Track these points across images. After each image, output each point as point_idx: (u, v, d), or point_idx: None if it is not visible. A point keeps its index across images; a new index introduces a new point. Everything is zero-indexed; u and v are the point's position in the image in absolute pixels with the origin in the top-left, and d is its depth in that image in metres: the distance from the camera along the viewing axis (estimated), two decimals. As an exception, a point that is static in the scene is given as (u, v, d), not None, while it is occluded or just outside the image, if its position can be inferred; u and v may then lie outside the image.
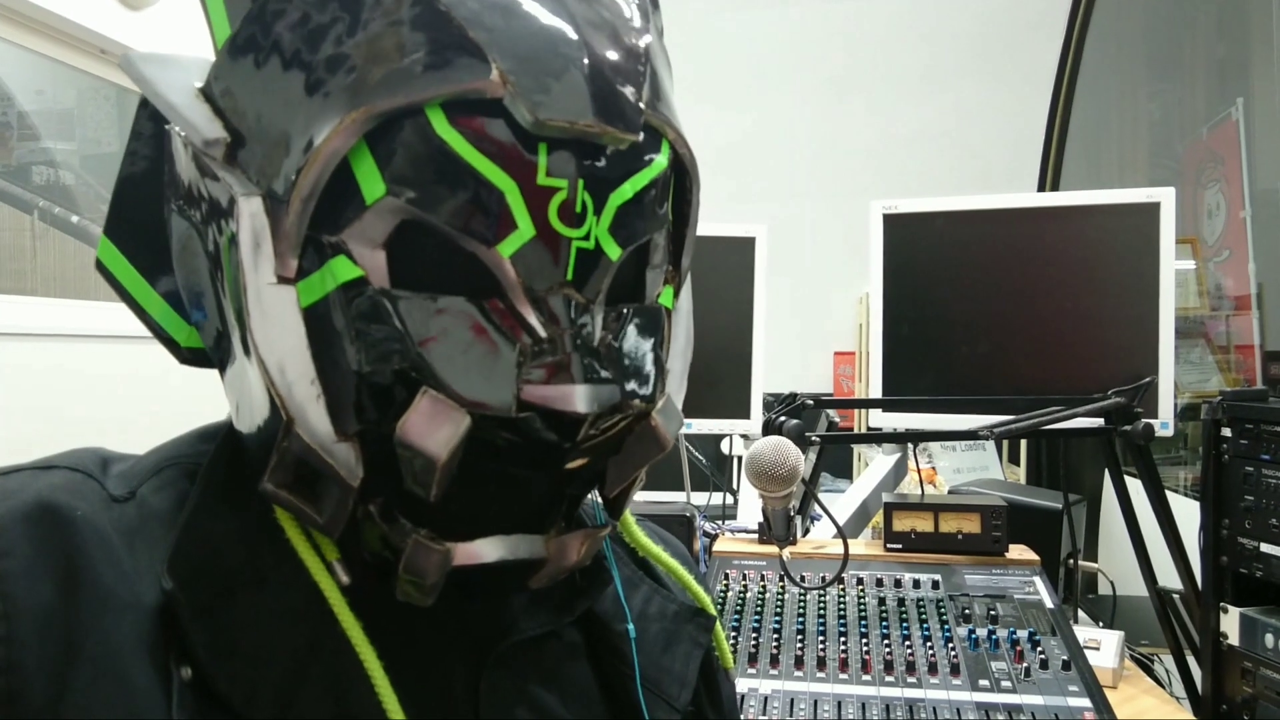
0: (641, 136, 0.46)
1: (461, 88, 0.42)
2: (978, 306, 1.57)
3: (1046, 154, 3.92)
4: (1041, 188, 3.92)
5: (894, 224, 1.60)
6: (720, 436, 2.20)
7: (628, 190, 0.47)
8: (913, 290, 1.60)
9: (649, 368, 0.50)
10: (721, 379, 1.73)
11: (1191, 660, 1.38)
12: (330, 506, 0.46)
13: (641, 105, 0.46)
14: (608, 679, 0.59)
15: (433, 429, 0.43)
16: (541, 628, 0.56)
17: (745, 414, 1.73)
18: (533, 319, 0.45)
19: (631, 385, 0.48)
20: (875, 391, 1.60)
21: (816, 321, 4.19)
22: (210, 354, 0.54)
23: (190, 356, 0.58)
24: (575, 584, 0.59)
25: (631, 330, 0.49)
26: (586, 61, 0.44)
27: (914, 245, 1.60)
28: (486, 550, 0.47)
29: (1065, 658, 1.17)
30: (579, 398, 0.44)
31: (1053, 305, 1.53)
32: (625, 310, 0.49)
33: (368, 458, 0.45)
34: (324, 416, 0.44)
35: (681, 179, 0.52)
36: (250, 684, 0.45)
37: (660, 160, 0.48)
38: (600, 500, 0.56)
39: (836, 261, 3.97)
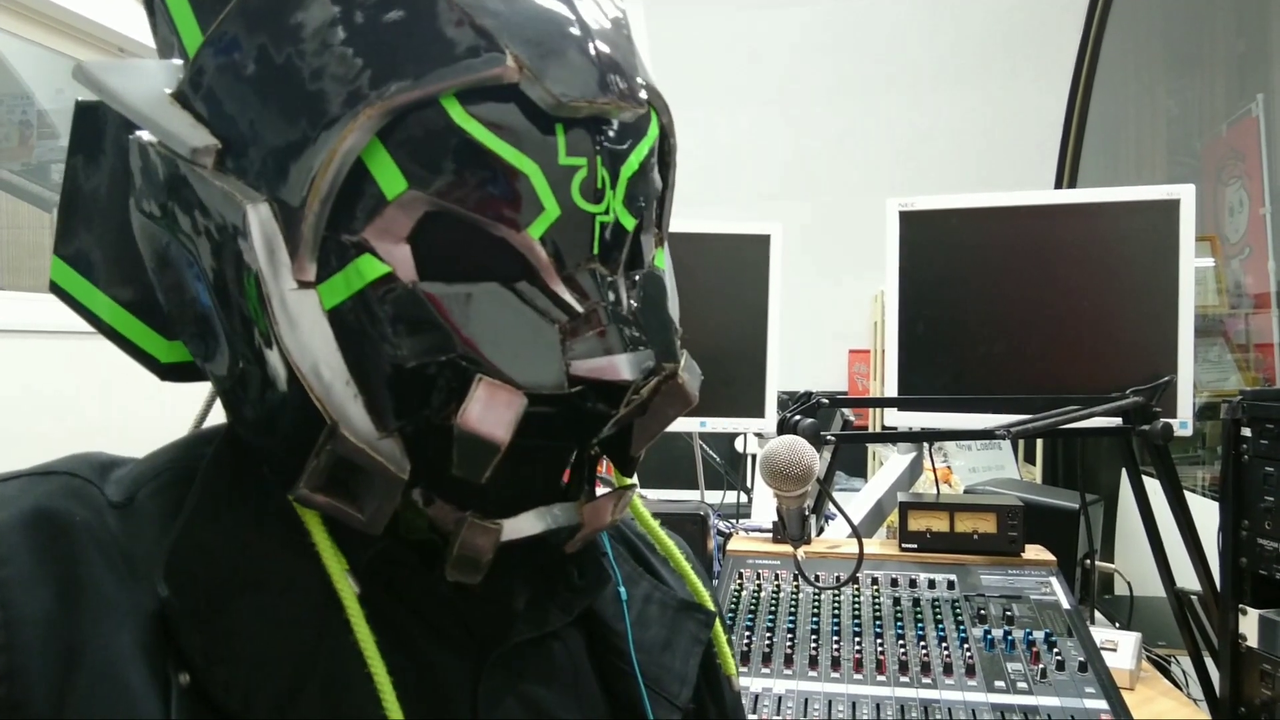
0: (645, 108, 0.48)
1: (479, 76, 0.43)
2: (994, 304, 1.56)
3: (1064, 151, 3.89)
4: (1059, 185, 3.90)
5: (910, 221, 1.59)
6: (734, 435, 2.20)
7: (634, 162, 0.48)
8: (929, 288, 1.59)
9: (668, 330, 0.51)
10: (736, 377, 1.73)
11: (1209, 662, 1.37)
12: (374, 503, 0.46)
13: (639, 76, 0.48)
14: (608, 678, 0.59)
15: (494, 414, 0.44)
16: (541, 628, 0.56)
17: (760, 413, 1.73)
18: (568, 297, 0.46)
19: (660, 348, 0.49)
20: (891, 390, 1.59)
21: (831, 319, 4.18)
22: (201, 366, 0.52)
23: (171, 372, 0.57)
24: (574, 583, 0.59)
25: (645, 296, 0.50)
26: (588, 39, 0.46)
27: (930, 243, 1.59)
28: (529, 524, 0.48)
29: (1082, 659, 1.16)
30: (624, 366, 0.46)
31: (1070, 303, 1.52)
32: (637, 278, 0.50)
33: (408, 449, 0.45)
34: (364, 415, 0.44)
35: (663, 142, 0.53)
36: (247, 689, 0.45)
37: (653, 130, 0.50)
38: (613, 463, 0.57)
39: (851, 259, 3.95)
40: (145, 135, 0.49)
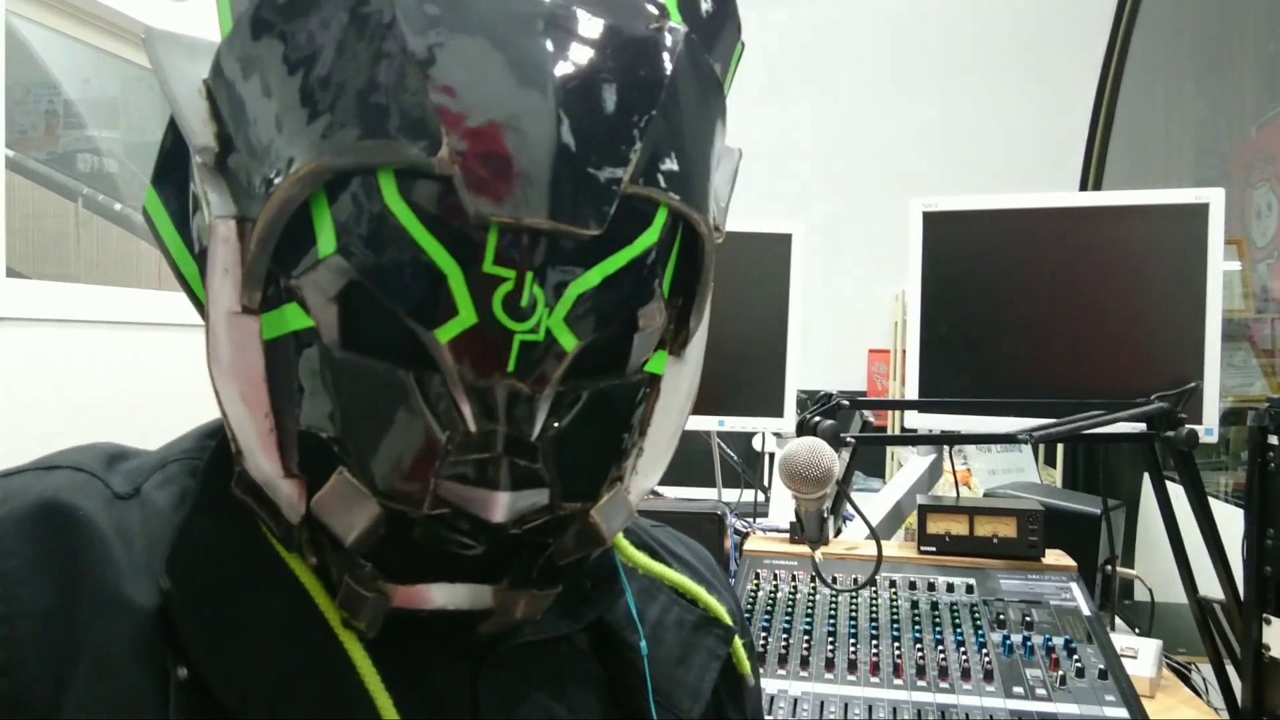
0: (604, 228, 0.41)
1: (408, 161, 0.39)
2: (1018, 307, 1.55)
3: (1089, 152, 3.86)
4: (1084, 187, 3.86)
5: (934, 222, 1.58)
6: (752, 434, 2.19)
7: (593, 278, 0.42)
8: (952, 290, 1.58)
9: (596, 462, 0.47)
10: (755, 376, 1.72)
11: (1231, 671, 1.36)
12: (282, 528, 0.46)
13: (622, 183, 0.41)
14: (616, 688, 0.57)
15: (341, 512, 0.43)
16: (545, 632, 0.54)
17: (779, 412, 1.72)
18: (466, 410, 0.42)
19: (568, 486, 0.45)
20: (912, 391, 1.58)
21: (851, 319, 4.16)
22: None
23: None
24: (584, 591, 0.57)
25: (586, 415, 0.45)
26: (553, 141, 0.40)
27: (954, 244, 1.58)
28: (429, 596, 0.45)
29: (1102, 666, 1.15)
30: (497, 506, 0.42)
31: (1095, 307, 1.50)
32: (583, 394, 0.45)
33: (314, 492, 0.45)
34: (273, 452, 0.44)
35: (691, 238, 0.48)
36: (245, 684, 0.44)
37: (647, 237, 0.44)
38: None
39: (872, 259, 3.94)
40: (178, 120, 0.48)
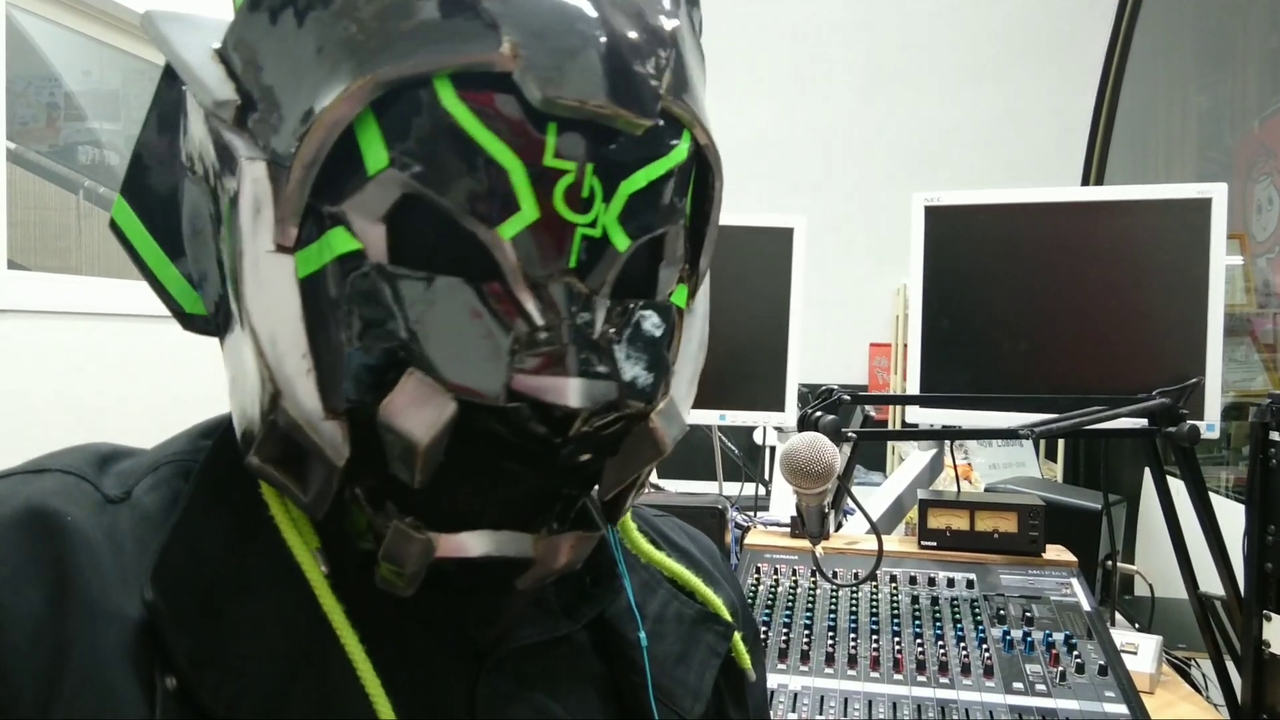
0: (659, 123, 0.44)
1: (470, 59, 0.41)
2: (1020, 302, 1.55)
3: (1091, 147, 3.85)
4: (1086, 180, 3.86)
5: (936, 216, 1.58)
6: (753, 427, 2.19)
7: (641, 179, 0.44)
8: (954, 284, 1.58)
9: (651, 367, 0.47)
10: (756, 371, 1.72)
11: (1231, 667, 1.36)
12: (316, 485, 0.45)
13: (661, 91, 0.44)
14: (617, 687, 0.57)
15: (415, 412, 0.41)
16: (546, 633, 0.54)
17: (780, 406, 1.72)
18: (530, 306, 0.43)
19: (631, 384, 0.46)
20: (913, 386, 1.58)
21: (852, 313, 4.16)
22: (211, 321, 0.52)
23: (195, 324, 0.57)
24: (583, 589, 0.57)
25: (637, 327, 0.47)
26: (604, 39, 0.42)
27: (956, 238, 1.58)
28: (471, 544, 0.45)
29: (1102, 662, 1.15)
30: (572, 391, 0.42)
31: (1097, 302, 1.50)
32: (631, 305, 0.46)
33: (357, 438, 0.43)
34: (313, 392, 0.43)
35: (704, 174, 0.50)
36: (234, 693, 0.44)
37: (679, 150, 0.46)
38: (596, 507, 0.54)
39: (874, 253, 3.94)
40: (190, 87, 0.48)
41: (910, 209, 1.58)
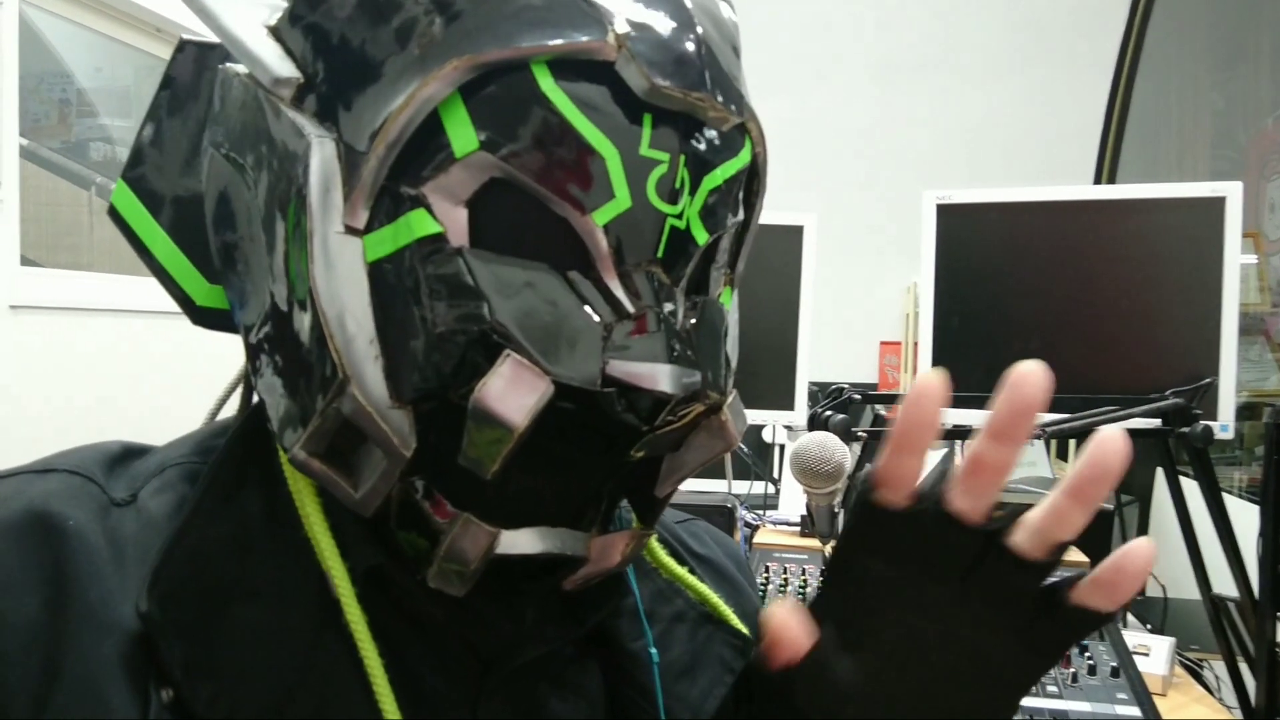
0: (742, 119, 0.45)
1: (574, 46, 0.40)
2: (1032, 301, 1.54)
3: (1104, 145, 3.83)
4: (1098, 179, 3.84)
5: (947, 214, 1.57)
6: (762, 425, 2.19)
7: (719, 176, 0.45)
8: (965, 283, 1.57)
9: (722, 362, 0.48)
10: (766, 369, 1.72)
11: (1245, 669, 1.35)
12: (371, 478, 0.43)
13: (739, 89, 0.45)
14: (620, 703, 0.54)
15: (514, 395, 0.40)
16: (546, 645, 0.51)
17: (789, 405, 1.71)
18: (621, 294, 0.42)
19: (709, 376, 0.45)
20: (923, 385, 1.57)
21: (863, 311, 4.15)
22: (234, 314, 0.50)
23: (205, 317, 0.54)
24: (585, 596, 0.54)
25: (705, 322, 0.46)
26: (700, 33, 0.43)
27: (967, 237, 1.57)
28: (531, 541, 0.44)
29: (1114, 663, 1.14)
30: (666, 378, 0.42)
31: (1110, 301, 1.49)
32: (698, 301, 0.46)
33: (421, 430, 0.42)
34: (381, 379, 0.41)
35: (752, 179, 0.50)
36: (231, 705, 0.42)
37: (745, 153, 0.47)
38: (632, 506, 0.52)
39: (884, 250, 3.93)
40: (234, 66, 0.47)
41: (921, 207, 1.58)
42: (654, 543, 0.59)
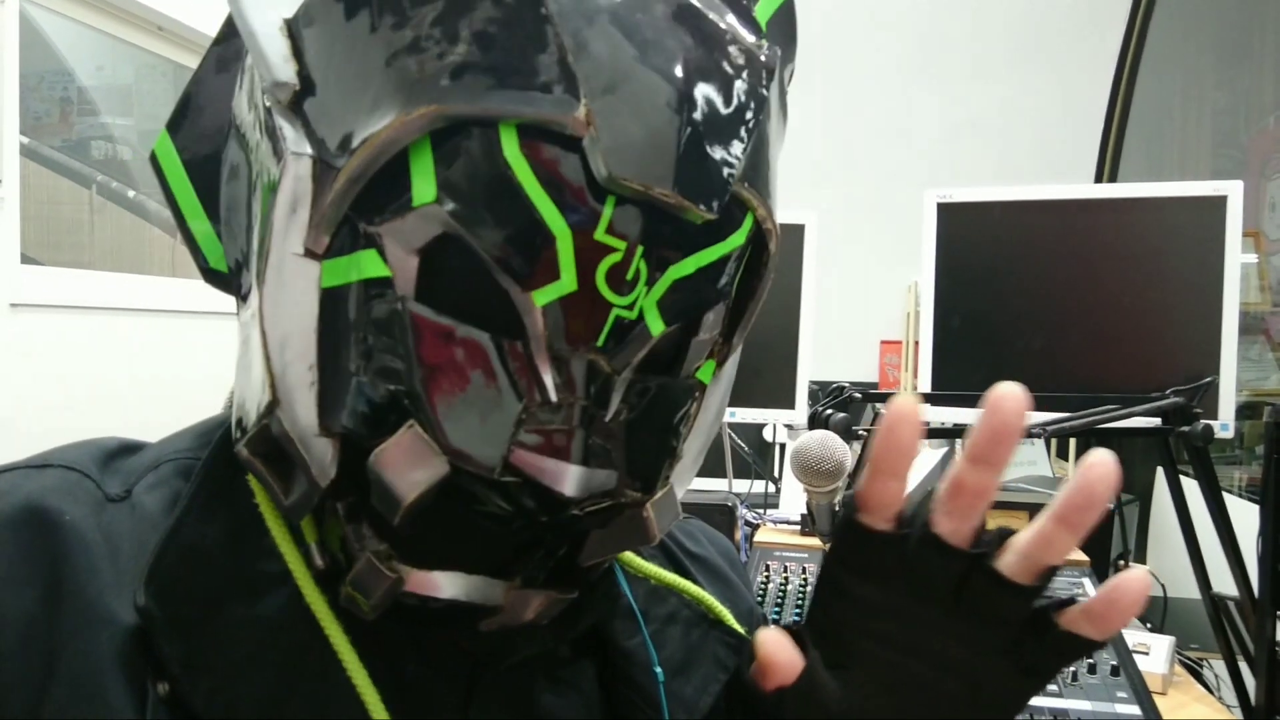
0: (717, 215, 0.41)
1: (541, 115, 0.39)
2: (1033, 300, 1.54)
3: (1105, 143, 3.83)
4: (1099, 177, 3.83)
5: (948, 213, 1.57)
6: (763, 424, 2.19)
7: (689, 266, 0.42)
8: (966, 282, 1.57)
9: (658, 455, 0.46)
10: (767, 367, 1.72)
11: (1244, 668, 1.35)
12: (297, 494, 0.43)
13: (733, 178, 0.42)
14: (614, 703, 0.54)
15: (406, 468, 0.40)
16: (539, 646, 0.51)
17: (790, 403, 1.71)
18: (548, 378, 0.41)
19: (632, 471, 0.44)
20: (925, 384, 1.57)
21: (863, 310, 4.14)
22: (230, 281, 0.50)
23: (214, 278, 0.54)
24: (580, 596, 0.54)
25: (653, 408, 0.45)
26: (684, 118, 0.40)
27: (968, 236, 1.57)
28: (442, 584, 0.43)
29: (1114, 662, 1.14)
30: (569, 479, 0.41)
31: (1110, 300, 1.49)
32: (652, 384, 0.44)
33: (347, 457, 0.42)
34: (312, 407, 0.41)
35: (759, 250, 0.48)
36: (228, 700, 0.42)
37: (737, 237, 0.44)
38: (555, 568, 0.51)
39: (885, 249, 3.92)
40: (250, 55, 0.46)
41: (922, 205, 1.57)
42: (636, 558, 0.59)
